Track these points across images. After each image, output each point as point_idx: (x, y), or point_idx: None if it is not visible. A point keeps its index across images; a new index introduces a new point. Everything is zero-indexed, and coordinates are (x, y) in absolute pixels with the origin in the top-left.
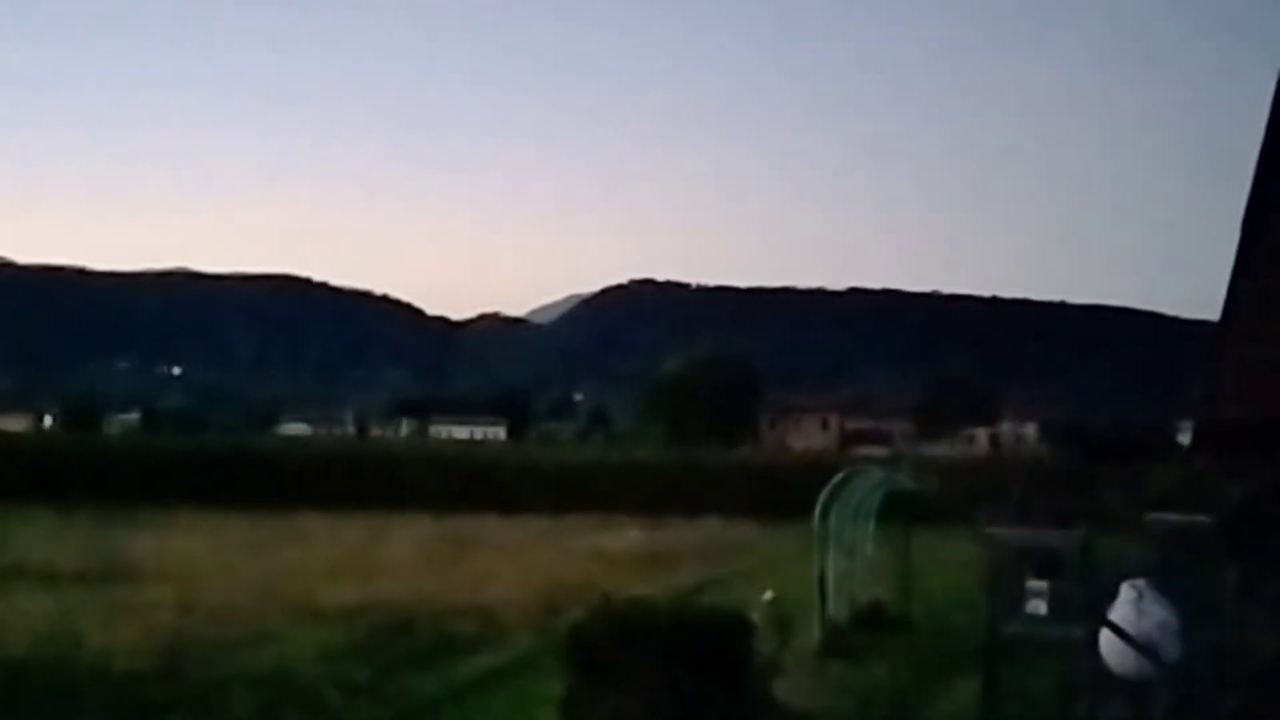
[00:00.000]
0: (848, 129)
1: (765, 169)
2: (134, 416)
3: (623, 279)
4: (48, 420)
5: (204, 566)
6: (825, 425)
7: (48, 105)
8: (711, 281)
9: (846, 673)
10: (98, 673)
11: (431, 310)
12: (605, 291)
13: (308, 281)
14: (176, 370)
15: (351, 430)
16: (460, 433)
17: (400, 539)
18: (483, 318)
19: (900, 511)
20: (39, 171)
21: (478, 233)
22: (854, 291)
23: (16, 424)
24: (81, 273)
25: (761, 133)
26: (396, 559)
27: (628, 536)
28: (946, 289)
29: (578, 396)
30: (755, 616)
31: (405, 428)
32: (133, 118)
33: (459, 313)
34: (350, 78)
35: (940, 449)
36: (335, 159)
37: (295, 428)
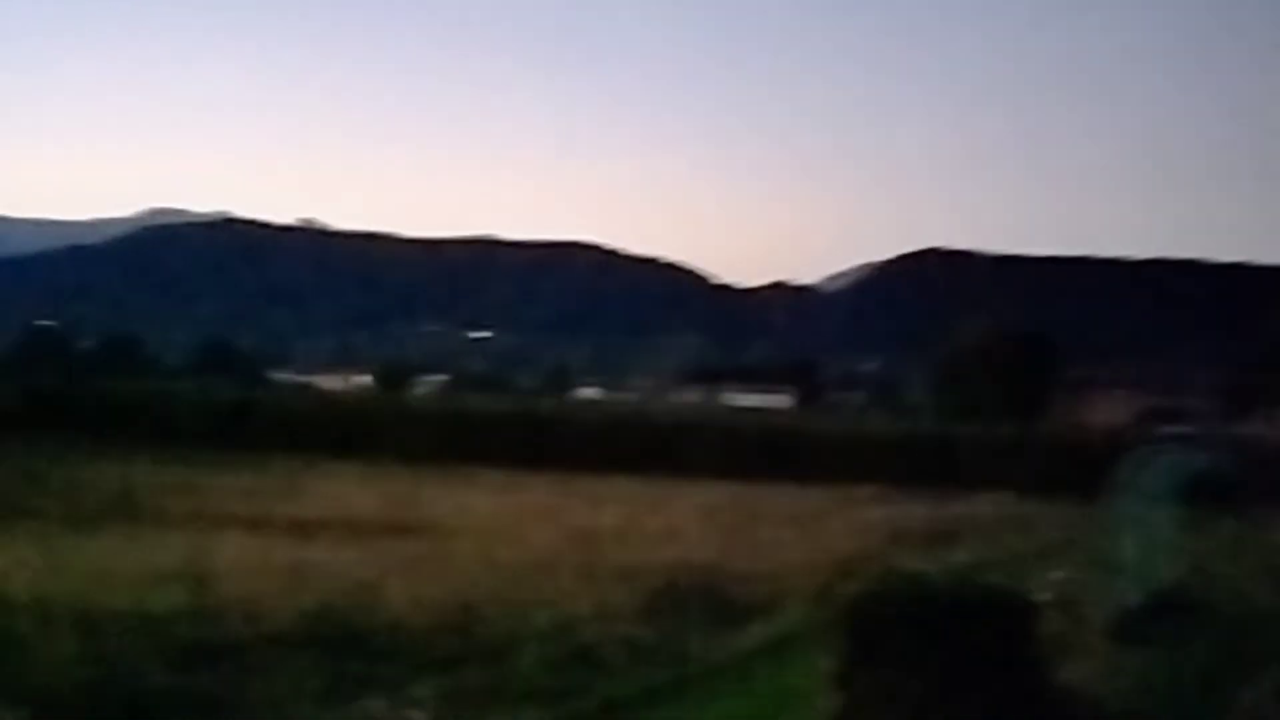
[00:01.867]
0: (1166, 98)
1: (1066, 134)
2: (441, 378)
3: (915, 247)
4: (361, 380)
5: (500, 524)
6: (1124, 401)
7: (378, 84)
8: (1005, 250)
9: (1140, 658)
10: (394, 624)
11: (721, 278)
12: (897, 260)
13: (601, 249)
14: (481, 334)
15: (642, 395)
16: (748, 400)
17: (687, 504)
18: (771, 285)
19: (1204, 493)
20: (362, 143)
21: (767, 200)
22: (1155, 262)
23: (333, 383)
24: (396, 240)
25: (1062, 99)
26: (683, 524)
27: (913, 510)
28: (1261, 259)
29: (866, 366)
30: (1042, 597)
31: (694, 394)
32: (444, 94)
33: (748, 280)
34: (654, 52)
35: (1252, 428)
36: (630, 129)
37: (590, 392)
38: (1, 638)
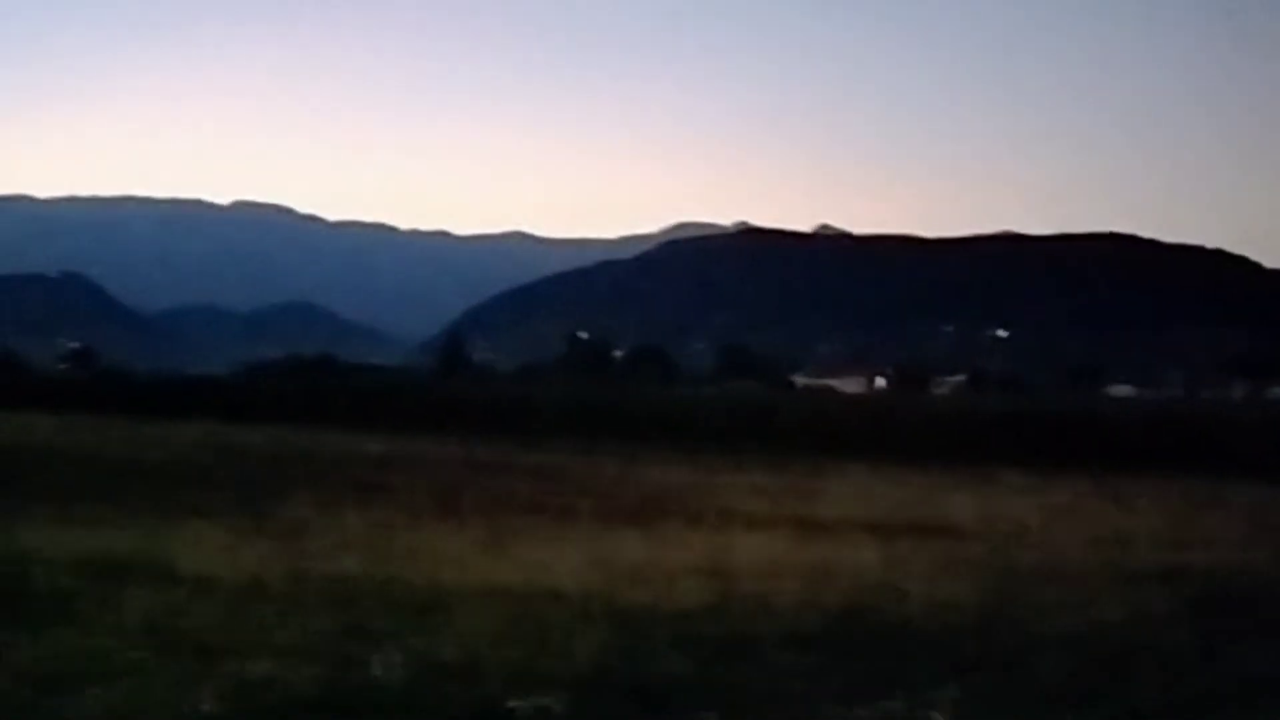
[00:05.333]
0: None
1: None
2: (959, 378)
3: None
4: (879, 381)
5: (1022, 527)
6: None
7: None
8: None
9: None
10: (913, 625)
11: (1271, 264)
12: None
13: (1134, 239)
14: (1001, 333)
15: (1179, 391)
16: None
17: (1231, 506)
18: None
19: None
20: (881, 146)
21: None
22: None
23: (851, 385)
24: (917, 240)
25: None
26: (1227, 527)
27: None
28: None
29: None
30: None
31: (1238, 389)
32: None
33: None
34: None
35: None
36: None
37: (1120, 389)
38: (541, 627)
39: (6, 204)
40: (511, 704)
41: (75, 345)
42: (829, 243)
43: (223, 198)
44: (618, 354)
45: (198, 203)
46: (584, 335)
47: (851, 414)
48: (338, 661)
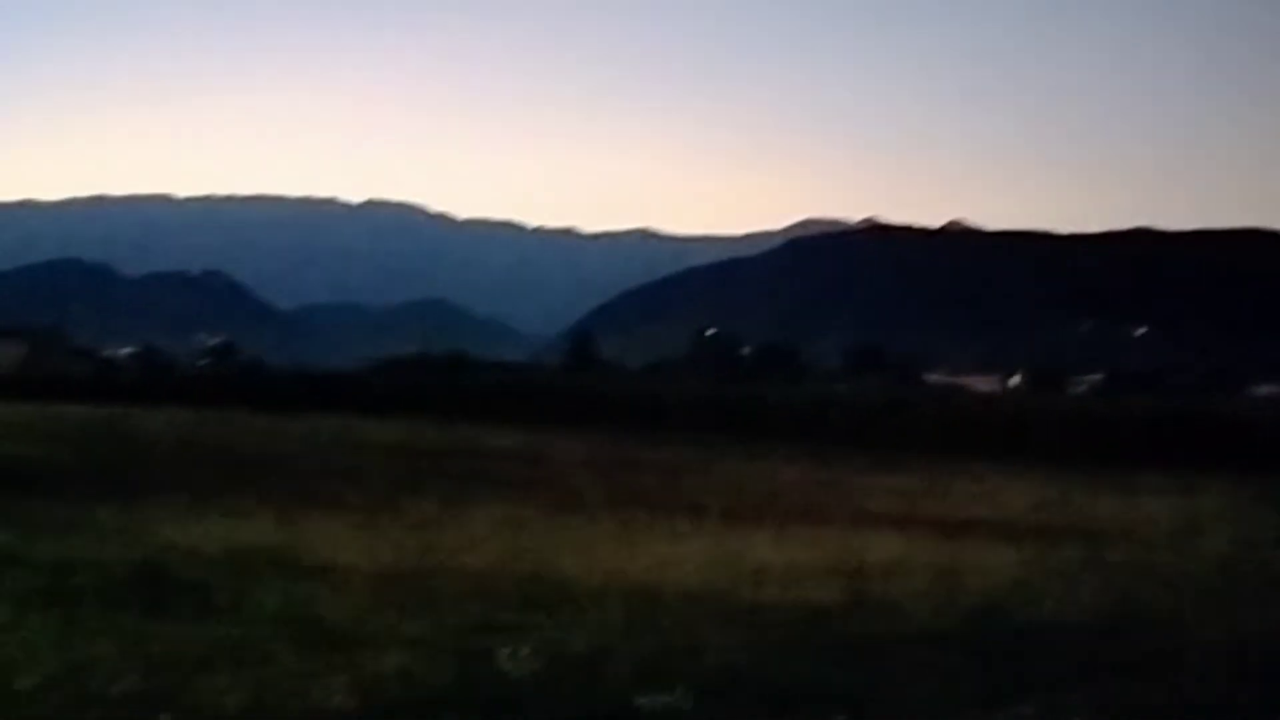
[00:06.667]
0: None
1: None
2: (1097, 377)
3: None
4: (1013, 380)
5: (1163, 530)
6: None
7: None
8: None
9: None
10: (1048, 629)
11: None
12: None
13: (1277, 235)
14: (1140, 330)
15: None
16: None
17: None
18: None
19: None
20: (1012, 142)
21: None
22: None
23: (984, 384)
24: (1050, 236)
25: None
26: None
27: None
28: None
29: None
30: None
31: None
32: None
33: None
34: None
35: None
36: None
37: (1264, 389)
38: (670, 624)
39: (148, 204)
40: (639, 701)
41: (215, 341)
42: (960, 239)
43: (355, 197)
44: (745, 351)
45: (331, 201)
46: (712, 332)
47: (985, 413)
48: (467, 655)
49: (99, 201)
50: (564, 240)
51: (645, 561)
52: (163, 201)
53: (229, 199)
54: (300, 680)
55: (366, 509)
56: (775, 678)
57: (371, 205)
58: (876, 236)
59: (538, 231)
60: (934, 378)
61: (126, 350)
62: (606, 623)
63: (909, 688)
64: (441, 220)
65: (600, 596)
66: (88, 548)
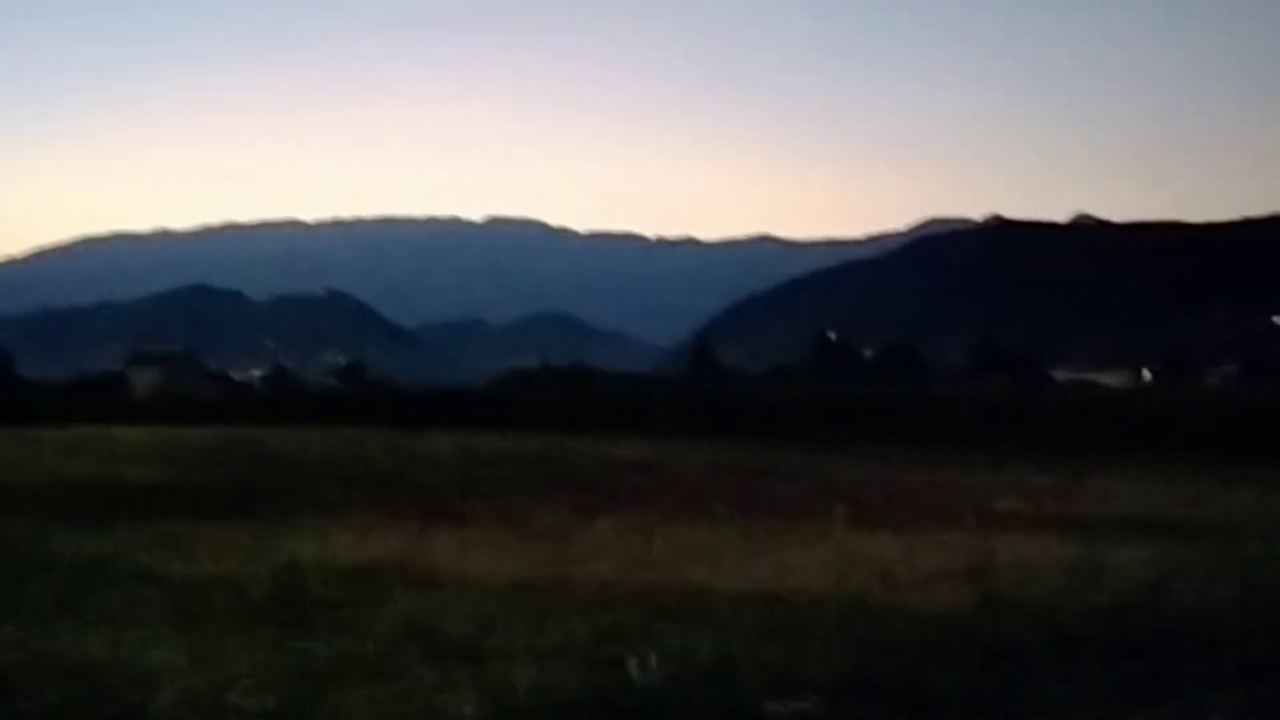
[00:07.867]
0: None
1: None
2: (1232, 368)
3: None
4: (1145, 374)
5: None
6: None
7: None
8: None
9: None
10: (1186, 628)
11: None
12: None
13: None
14: (1277, 319)
15: None
16: None
17: None
18: None
19: None
20: (1134, 136)
21: None
22: None
23: (1116, 379)
24: (1179, 226)
25: None
26: None
27: None
28: None
29: None
30: None
31: None
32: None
33: None
34: None
35: None
36: None
37: None
38: (798, 630)
39: (276, 229)
40: (769, 707)
41: (344, 360)
42: (1087, 232)
43: (477, 214)
44: (868, 354)
45: (454, 220)
46: (833, 336)
47: (1116, 408)
48: (596, 664)
49: (230, 229)
50: (685, 249)
51: (772, 567)
52: (291, 226)
53: (355, 221)
54: (431, 693)
55: (494, 521)
56: (907, 683)
57: (494, 222)
58: (1000, 233)
59: (659, 241)
60: (1063, 374)
61: (257, 372)
62: (735, 629)
63: (1044, 691)
64: (563, 234)
65: (728, 603)
66: (222, 566)
